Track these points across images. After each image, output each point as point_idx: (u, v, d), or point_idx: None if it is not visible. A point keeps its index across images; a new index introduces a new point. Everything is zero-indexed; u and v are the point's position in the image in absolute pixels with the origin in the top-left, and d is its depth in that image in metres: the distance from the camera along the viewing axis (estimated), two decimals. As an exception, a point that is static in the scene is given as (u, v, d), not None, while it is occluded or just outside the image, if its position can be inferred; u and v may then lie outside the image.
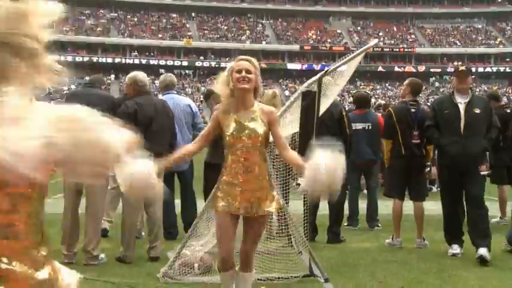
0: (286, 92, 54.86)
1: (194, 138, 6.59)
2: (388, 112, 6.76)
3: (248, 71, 3.52)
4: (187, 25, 72.25)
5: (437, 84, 68.92)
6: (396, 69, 68.29)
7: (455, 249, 5.93)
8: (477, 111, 5.83)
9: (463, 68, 6.22)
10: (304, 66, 66.63)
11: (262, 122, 3.54)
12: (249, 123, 3.54)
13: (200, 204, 6.06)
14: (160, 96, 6.93)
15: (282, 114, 4.87)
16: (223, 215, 3.58)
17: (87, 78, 7.96)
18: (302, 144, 4.93)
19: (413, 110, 6.43)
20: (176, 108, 6.45)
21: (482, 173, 5.85)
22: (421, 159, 6.42)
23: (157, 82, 54.16)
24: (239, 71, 3.52)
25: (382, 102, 13.11)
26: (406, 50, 71.12)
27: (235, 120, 3.55)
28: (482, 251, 5.55)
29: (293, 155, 3.54)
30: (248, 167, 3.51)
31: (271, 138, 3.67)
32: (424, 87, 68.19)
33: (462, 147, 5.74)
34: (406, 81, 6.81)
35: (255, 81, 3.55)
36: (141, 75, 5.90)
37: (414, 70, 65.92)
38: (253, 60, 3.63)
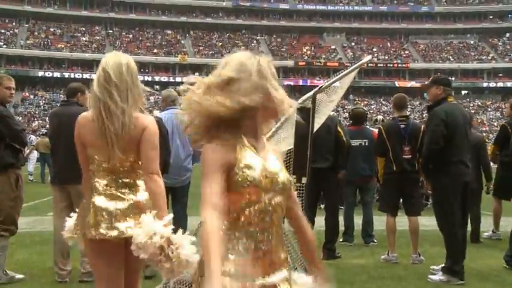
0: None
1: (194, 154, 6.59)
2: (379, 129, 6.82)
3: None
4: (182, 41, 72.58)
5: (427, 97, 69.21)
6: (390, 84, 68.63)
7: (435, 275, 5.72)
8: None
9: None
10: (299, 82, 66.86)
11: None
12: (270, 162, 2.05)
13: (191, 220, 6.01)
14: (158, 112, 6.85)
15: (277, 131, 4.88)
16: None
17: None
18: (297, 161, 4.93)
19: (402, 126, 6.45)
20: (180, 124, 6.38)
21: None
22: (413, 174, 6.41)
23: (152, 98, 54.34)
24: None
25: (380, 117, 13.13)
26: (400, 65, 71.57)
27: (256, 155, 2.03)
28: (435, 277, 5.50)
29: None
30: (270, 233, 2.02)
31: None
32: (418, 103, 68.07)
33: None
34: None
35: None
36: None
37: (408, 85, 66.31)
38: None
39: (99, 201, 2.86)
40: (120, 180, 2.89)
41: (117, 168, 2.89)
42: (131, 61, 2.94)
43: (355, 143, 7.42)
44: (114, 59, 2.89)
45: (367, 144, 7.59)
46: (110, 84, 2.82)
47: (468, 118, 5.92)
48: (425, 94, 70.19)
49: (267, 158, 2.00)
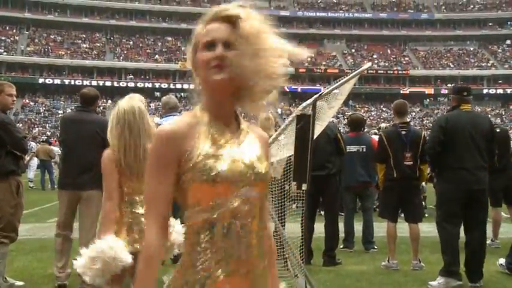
0: (279, 110, 55.16)
1: None
2: (380, 136, 6.85)
3: (227, 43, 1.65)
4: (183, 48, 72.70)
5: (427, 104, 69.36)
6: (390, 91, 68.69)
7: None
8: None
9: None
10: (299, 88, 66.92)
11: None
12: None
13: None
14: (159, 119, 6.85)
15: (277, 137, 4.89)
16: None
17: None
18: (297, 167, 4.94)
19: (403, 132, 6.47)
20: None
21: None
22: (414, 181, 6.42)
23: (152, 105, 54.43)
24: (209, 44, 1.65)
25: (384, 125, 13.07)
26: (400, 72, 71.67)
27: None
28: (435, 283, 5.49)
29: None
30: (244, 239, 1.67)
31: None
32: (418, 109, 67.89)
33: None
34: None
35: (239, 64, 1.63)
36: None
37: (408, 92, 66.42)
38: (241, 10, 1.67)
39: (134, 217, 3.46)
40: (139, 200, 3.47)
41: (137, 190, 3.48)
42: (141, 104, 3.55)
43: (352, 149, 7.46)
44: (127, 104, 3.49)
45: (365, 150, 7.61)
46: (126, 124, 3.42)
47: (484, 125, 5.74)
48: (425, 101, 70.62)
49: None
